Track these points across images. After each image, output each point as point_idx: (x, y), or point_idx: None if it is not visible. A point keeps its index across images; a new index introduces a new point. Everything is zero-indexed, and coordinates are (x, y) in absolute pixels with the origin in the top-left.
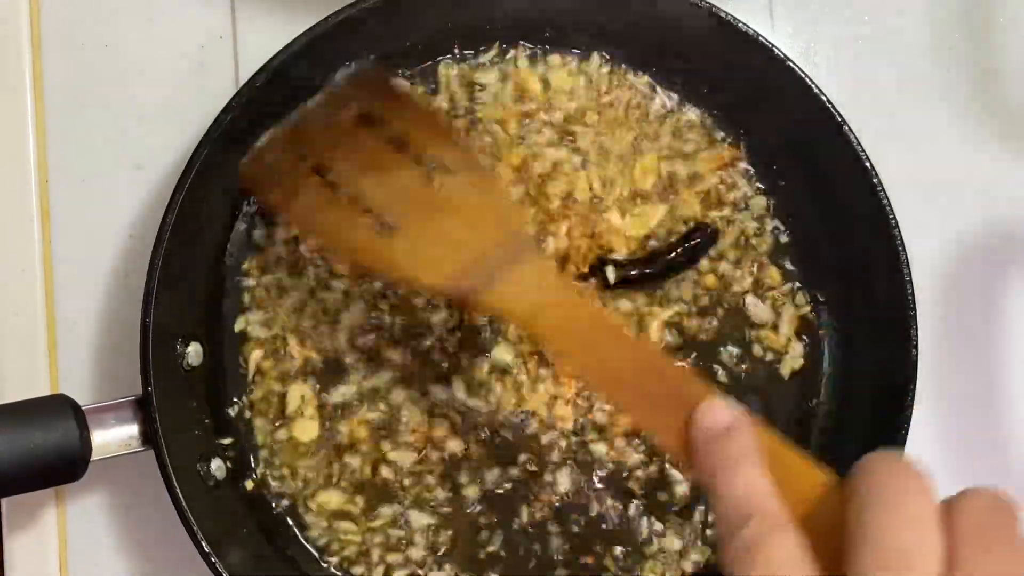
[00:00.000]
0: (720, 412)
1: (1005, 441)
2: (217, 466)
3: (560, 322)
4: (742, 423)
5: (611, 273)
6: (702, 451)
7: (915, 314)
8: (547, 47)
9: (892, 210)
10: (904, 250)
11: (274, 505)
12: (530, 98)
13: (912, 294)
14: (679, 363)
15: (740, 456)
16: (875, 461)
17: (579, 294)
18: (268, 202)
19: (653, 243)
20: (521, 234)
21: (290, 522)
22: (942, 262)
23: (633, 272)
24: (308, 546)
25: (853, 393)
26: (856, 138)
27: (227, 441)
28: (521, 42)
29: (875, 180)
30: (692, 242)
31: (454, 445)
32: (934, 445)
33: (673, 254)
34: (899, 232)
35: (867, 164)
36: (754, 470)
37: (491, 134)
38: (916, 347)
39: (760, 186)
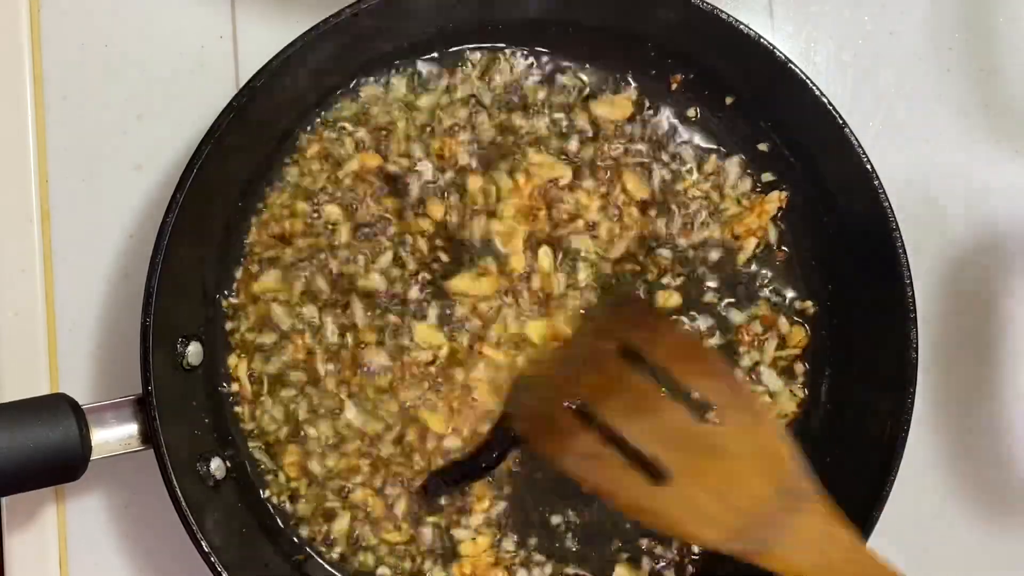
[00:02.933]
0: None
1: (1005, 440)
2: (217, 465)
3: None
4: None
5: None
6: None
7: (915, 317)
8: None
9: (893, 211)
10: (904, 251)
11: (272, 503)
12: None
13: (912, 295)
14: None
15: None
16: None
17: (865, 554)
18: (539, 450)
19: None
20: (798, 484)
21: (287, 522)
22: (942, 262)
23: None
24: (308, 547)
25: (853, 395)
26: (856, 139)
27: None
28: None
29: (876, 182)
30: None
31: None
32: (935, 445)
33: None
34: (899, 233)
35: (868, 166)
36: None
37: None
38: (916, 349)
39: (759, 189)
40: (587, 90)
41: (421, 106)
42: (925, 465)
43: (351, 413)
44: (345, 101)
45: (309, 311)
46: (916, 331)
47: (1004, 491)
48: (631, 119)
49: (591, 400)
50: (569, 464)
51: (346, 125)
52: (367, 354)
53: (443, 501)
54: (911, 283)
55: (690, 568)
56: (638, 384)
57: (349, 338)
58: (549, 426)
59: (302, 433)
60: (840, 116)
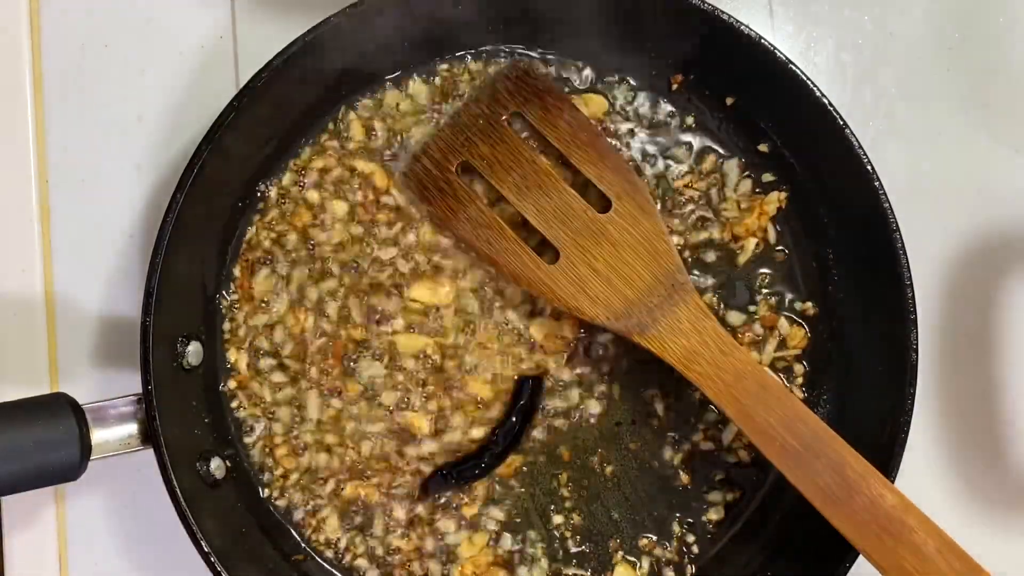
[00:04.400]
0: None
1: (1005, 440)
2: (216, 465)
3: (712, 370)
4: None
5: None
6: None
7: (915, 318)
8: None
9: (893, 212)
10: (904, 251)
11: (271, 502)
12: None
13: (912, 296)
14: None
15: None
16: None
17: (731, 343)
18: (432, 214)
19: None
20: (676, 278)
21: (285, 522)
22: (942, 261)
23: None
24: (307, 546)
25: (853, 395)
26: (856, 139)
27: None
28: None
29: (876, 183)
30: (520, 403)
31: None
32: (935, 445)
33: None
34: (899, 233)
35: (868, 166)
36: None
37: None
38: (916, 350)
39: (759, 189)
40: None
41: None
42: (925, 465)
43: (335, 405)
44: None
45: (309, 293)
46: (916, 332)
47: (1004, 491)
48: (607, 115)
49: (484, 169)
50: (464, 231)
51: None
52: (356, 354)
53: (442, 501)
54: (911, 284)
55: (690, 568)
56: (533, 160)
57: (340, 329)
58: (440, 189)
59: (294, 423)
60: (840, 116)
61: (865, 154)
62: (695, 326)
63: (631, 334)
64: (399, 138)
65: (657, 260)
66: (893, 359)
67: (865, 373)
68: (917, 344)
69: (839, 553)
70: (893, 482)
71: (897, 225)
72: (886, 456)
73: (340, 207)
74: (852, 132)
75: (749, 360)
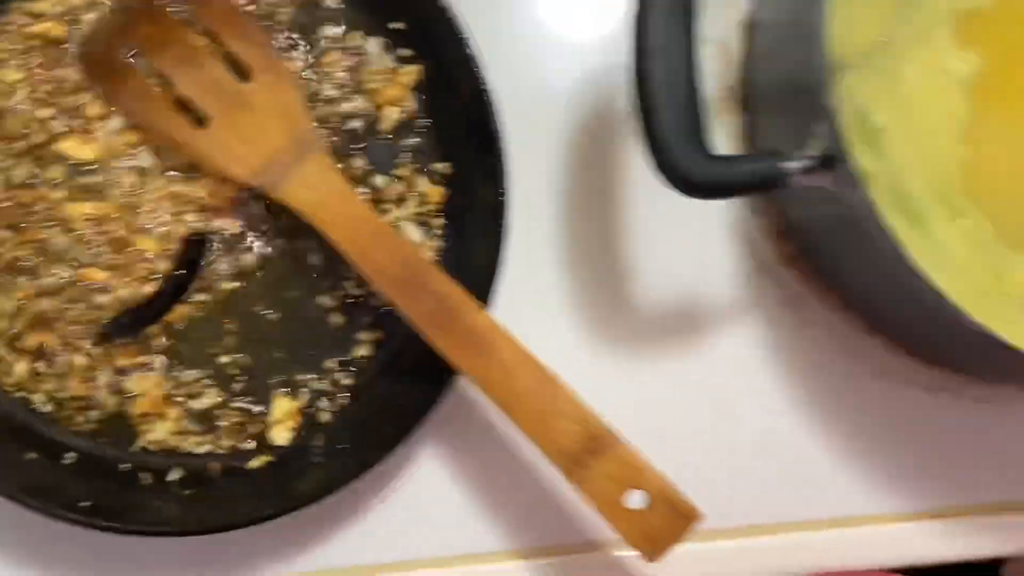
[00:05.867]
0: None
1: (623, 283)
2: None
3: (334, 217)
4: None
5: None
6: None
7: (502, 167)
8: None
9: (483, 77)
10: (493, 109)
11: None
12: None
13: (500, 147)
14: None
15: None
16: None
17: (350, 194)
18: (103, 93)
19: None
20: (307, 137)
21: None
22: (562, 126)
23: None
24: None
25: (472, 246)
26: (455, 10)
27: None
28: None
29: (470, 51)
30: (188, 257)
31: None
32: (566, 290)
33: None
34: (489, 94)
35: (465, 36)
36: None
37: None
38: (504, 195)
39: (399, 64)
40: None
41: None
42: (557, 310)
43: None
44: None
45: None
46: (503, 182)
47: (624, 329)
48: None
49: (146, 48)
50: (128, 105)
51: None
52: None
53: (119, 346)
54: (498, 136)
55: (342, 397)
56: (188, 39)
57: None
58: (108, 68)
59: None
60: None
61: (463, 26)
62: (321, 180)
63: (267, 189)
64: (72, 23)
65: (292, 124)
66: (492, 209)
67: (479, 223)
68: (504, 192)
69: (446, 373)
70: (488, 310)
71: (487, 88)
72: (485, 290)
73: (13, 76)
74: (455, 12)
75: (364, 209)
